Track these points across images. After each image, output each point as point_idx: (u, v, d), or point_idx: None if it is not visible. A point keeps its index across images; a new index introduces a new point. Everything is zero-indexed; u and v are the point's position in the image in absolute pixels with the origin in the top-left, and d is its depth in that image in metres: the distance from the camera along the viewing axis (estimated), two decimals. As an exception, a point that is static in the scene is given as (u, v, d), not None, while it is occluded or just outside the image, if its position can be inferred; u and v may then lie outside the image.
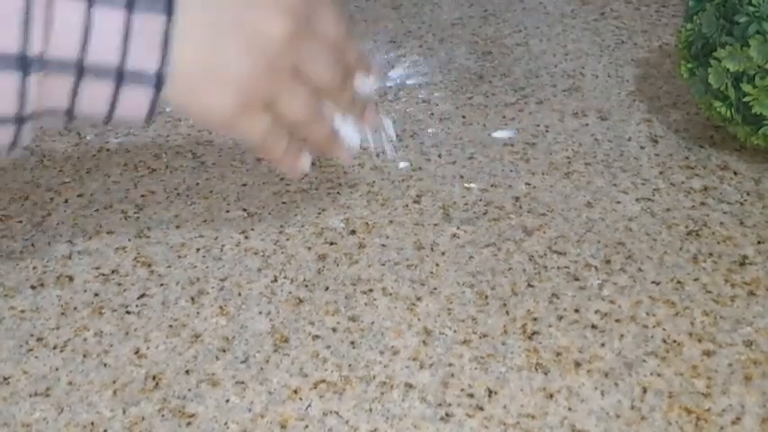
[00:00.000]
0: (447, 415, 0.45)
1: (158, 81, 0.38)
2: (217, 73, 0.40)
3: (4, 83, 0.35)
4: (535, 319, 0.50)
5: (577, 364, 0.47)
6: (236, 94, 0.41)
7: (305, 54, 0.43)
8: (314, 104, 0.45)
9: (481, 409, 0.45)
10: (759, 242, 0.56)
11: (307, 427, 0.44)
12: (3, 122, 0.36)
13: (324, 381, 0.47)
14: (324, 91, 0.45)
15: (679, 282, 0.53)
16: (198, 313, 0.51)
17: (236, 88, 0.41)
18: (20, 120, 0.36)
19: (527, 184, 0.62)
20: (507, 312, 0.51)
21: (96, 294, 0.53)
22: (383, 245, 0.56)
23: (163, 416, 0.45)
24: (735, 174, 0.62)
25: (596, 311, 0.51)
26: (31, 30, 0.34)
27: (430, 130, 0.68)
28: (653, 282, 0.53)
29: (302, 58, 0.43)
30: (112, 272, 0.54)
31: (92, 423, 0.45)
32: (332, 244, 0.56)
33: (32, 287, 0.53)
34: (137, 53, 0.37)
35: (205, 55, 0.39)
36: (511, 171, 0.63)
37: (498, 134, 0.66)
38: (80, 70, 0.36)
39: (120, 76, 0.37)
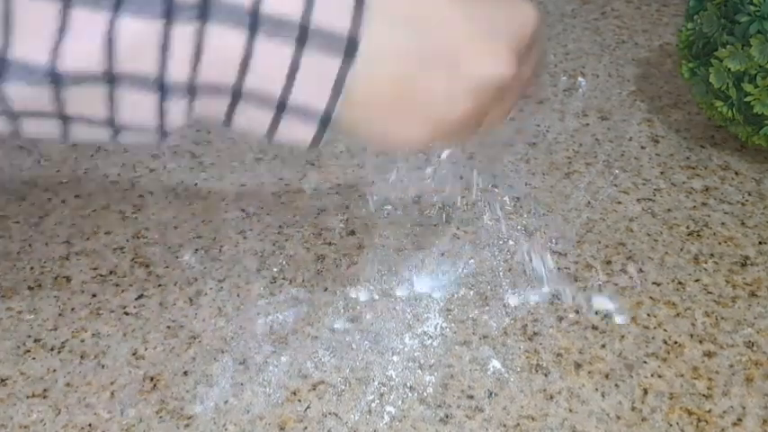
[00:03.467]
0: (447, 416, 0.45)
1: (324, 118, 0.34)
2: (413, 109, 0.35)
3: (142, 102, 0.32)
4: (535, 320, 0.50)
5: (578, 366, 0.47)
6: (433, 131, 0.36)
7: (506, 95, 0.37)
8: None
9: (481, 410, 0.45)
10: (760, 243, 0.56)
11: (306, 428, 0.44)
12: (146, 131, 0.34)
13: (323, 382, 0.47)
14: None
15: (680, 282, 0.53)
16: (196, 314, 0.51)
17: (434, 127, 0.36)
18: (163, 133, 0.34)
19: (527, 184, 0.61)
20: (507, 313, 0.51)
21: (94, 295, 0.53)
22: (383, 245, 0.56)
23: (161, 417, 0.45)
24: (736, 174, 0.62)
25: (596, 312, 0.51)
26: (169, 56, 0.31)
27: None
28: (654, 282, 0.53)
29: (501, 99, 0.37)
30: (110, 272, 0.54)
31: (89, 424, 0.45)
32: (331, 244, 0.56)
33: (30, 288, 0.53)
34: (302, 90, 0.33)
35: (398, 89, 0.34)
36: (511, 171, 0.63)
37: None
38: (237, 95, 0.33)
39: (282, 108, 0.34)
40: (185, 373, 0.47)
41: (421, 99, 0.35)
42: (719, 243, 0.56)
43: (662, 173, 0.63)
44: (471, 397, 0.46)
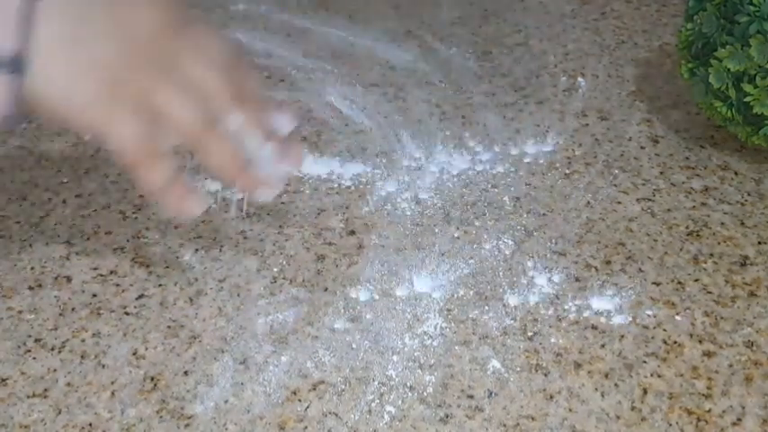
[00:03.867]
0: (446, 416, 0.45)
1: (17, 65, 0.34)
2: (78, 55, 0.36)
3: None
4: (535, 320, 0.50)
5: (577, 365, 0.47)
6: (98, 78, 0.36)
7: (183, 54, 0.39)
8: (202, 111, 0.40)
9: (481, 410, 0.45)
10: (760, 242, 0.56)
11: (306, 428, 0.44)
12: None
13: (323, 382, 0.47)
14: (217, 103, 0.40)
15: (679, 282, 0.53)
16: (196, 314, 0.51)
17: (99, 72, 0.36)
18: None
19: (527, 184, 0.62)
20: (507, 313, 0.51)
21: (94, 295, 0.53)
22: (382, 245, 0.56)
23: (161, 417, 0.45)
24: (735, 174, 0.62)
25: (596, 312, 0.51)
26: None
27: (430, 130, 0.68)
28: (653, 282, 0.53)
29: (180, 58, 0.39)
30: (111, 272, 0.54)
31: (90, 424, 0.45)
32: (331, 244, 0.56)
33: (30, 288, 0.53)
34: None
35: (65, 36, 0.35)
36: (511, 171, 0.63)
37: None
38: None
39: None
40: (186, 372, 0.47)
41: (82, 45, 0.36)
42: (719, 243, 0.56)
43: (661, 173, 0.63)
44: (471, 397, 0.46)
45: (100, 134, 0.38)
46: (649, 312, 0.51)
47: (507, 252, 0.55)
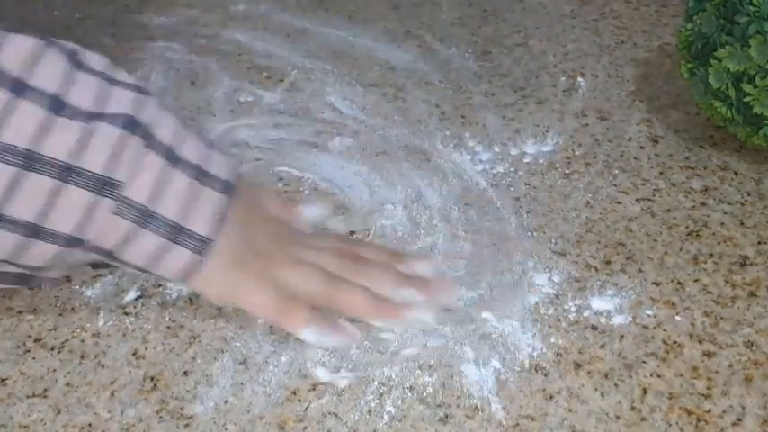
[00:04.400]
0: (446, 416, 0.45)
1: (203, 248, 0.45)
2: (242, 254, 0.47)
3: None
4: (535, 320, 0.50)
5: (577, 365, 0.47)
6: (253, 268, 0.48)
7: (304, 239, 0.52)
8: (325, 280, 0.49)
9: (481, 410, 0.45)
10: (760, 243, 0.56)
11: (305, 428, 0.44)
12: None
13: (323, 382, 0.47)
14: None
15: (679, 282, 0.53)
16: (196, 314, 0.51)
17: (251, 265, 0.48)
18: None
19: (527, 184, 0.62)
20: (507, 313, 0.51)
21: (94, 295, 0.53)
22: (382, 245, 0.56)
23: (161, 417, 0.45)
24: (735, 174, 0.62)
25: (596, 312, 0.51)
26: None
27: (429, 130, 0.68)
28: (653, 282, 0.53)
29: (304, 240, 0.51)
30: (110, 272, 0.54)
31: (89, 424, 0.45)
32: (331, 244, 0.56)
33: (30, 287, 0.53)
34: (193, 216, 0.45)
35: (239, 236, 0.47)
36: (511, 171, 0.63)
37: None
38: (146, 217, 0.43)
39: (177, 231, 0.44)
40: (185, 372, 0.47)
41: (249, 239, 0.48)
42: (719, 243, 0.56)
43: (661, 173, 0.63)
44: (471, 397, 0.46)
45: (230, 302, 0.49)
46: (649, 312, 0.51)
47: (507, 252, 0.55)
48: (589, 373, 0.47)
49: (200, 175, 0.45)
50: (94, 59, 0.44)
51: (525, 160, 0.64)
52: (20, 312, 0.51)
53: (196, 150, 0.45)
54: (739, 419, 0.44)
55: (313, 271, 0.48)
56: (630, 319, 0.50)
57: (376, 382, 0.46)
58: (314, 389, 0.46)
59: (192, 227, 0.44)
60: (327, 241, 0.52)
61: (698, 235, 0.57)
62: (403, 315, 0.49)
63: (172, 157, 0.44)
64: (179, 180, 0.44)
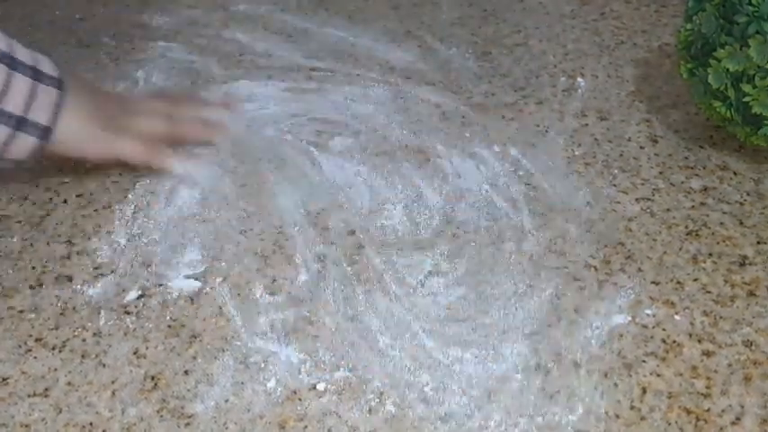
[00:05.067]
0: (446, 415, 0.45)
1: (46, 134, 0.55)
2: (86, 122, 0.59)
3: None
4: (536, 320, 0.50)
5: (577, 365, 0.47)
6: (99, 127, 0.60)
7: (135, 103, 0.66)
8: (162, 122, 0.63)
9: (481, 409, 0.45)
10: (759, 242, 0.56)
11: (306, 427, 0.44)
12: None
13: (323, 382, 0.47)
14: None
15: (679, 282, 0.53)
16: (197, 314, 0.51)
17: (98, 125, 0.59)
18: None
19: (527, 184, 0.62)
20: (507, 313, 0.51)
21: (95, 294, 0.53)
22: (382, 245, 0.56)
23: (162, 416, 0.45)
24: (734, 174, 0.62)
25: (596, 312, 0.51)
26: None
27: (430, 130, 0.68)
28: (653, 282, 0.53)
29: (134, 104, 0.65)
30: (111, 272, 0.54)
31: (90, 423, 0.45)
32: (332, 244, 0.56)
33: (31, 287, 0.53)
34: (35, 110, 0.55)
35: (82, 114, 0.58)
36: (511, 171, 0.63)
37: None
38: None
39: (21, 123, 0.54)
40: (186, 372, 0.48)
41: (91, 112, 0.59)
42: (718, 243, 0.56)
43: (661, 173, 0.63)
44: (471, 396, 0.46)
45: (110, 157, 0.61)
46: (648, 312, 0.51)
47: (507, 252, 0.55)
48: (588, 372, 0.47)
49: (36, 74, 0.55)
50: None
51: (525, 160, 0.64)
52: (21, 312, 0.52)
53: (29, 54, 0.55)
54: (738, 419, 0.44)
55: (155, 116, 0.63)
56: (630, 318, 0.50)
57: (376, 382, 0.46)
58: (314, 388, 0.46)
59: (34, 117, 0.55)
60: (155, 98, 0.68)
61: (697, 235, 0.57)
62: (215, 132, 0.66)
63: (12, 64, 0.54)
64: (20, 80, 0.54)
